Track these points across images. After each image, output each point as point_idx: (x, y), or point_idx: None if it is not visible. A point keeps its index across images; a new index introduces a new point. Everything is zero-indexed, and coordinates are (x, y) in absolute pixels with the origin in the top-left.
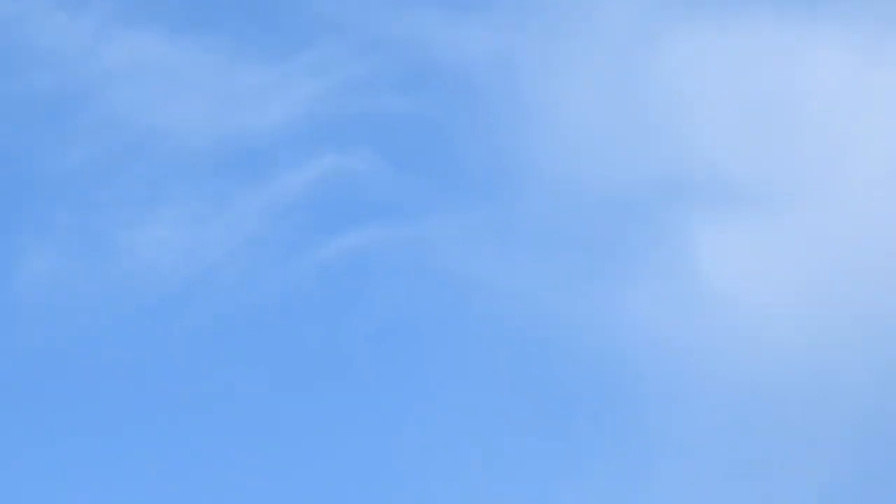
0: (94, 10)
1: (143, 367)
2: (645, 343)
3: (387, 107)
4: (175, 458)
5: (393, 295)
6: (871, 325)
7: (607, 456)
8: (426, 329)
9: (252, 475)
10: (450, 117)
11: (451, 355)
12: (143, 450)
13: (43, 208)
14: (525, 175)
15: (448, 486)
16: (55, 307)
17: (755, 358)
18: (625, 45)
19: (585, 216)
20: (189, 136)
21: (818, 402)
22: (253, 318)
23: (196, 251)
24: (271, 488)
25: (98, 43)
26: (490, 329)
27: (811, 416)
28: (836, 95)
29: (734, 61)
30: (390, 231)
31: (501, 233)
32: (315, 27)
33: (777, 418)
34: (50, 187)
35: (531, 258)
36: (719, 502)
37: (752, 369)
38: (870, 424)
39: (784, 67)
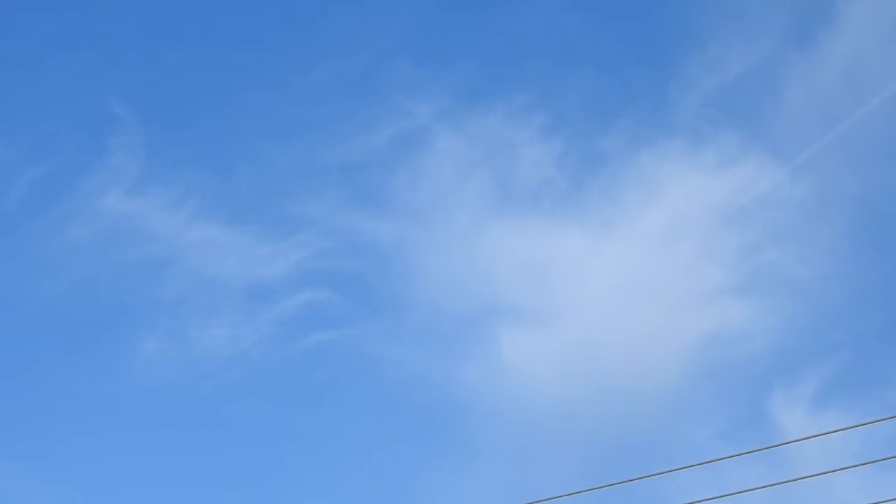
0: (182, 210)
1: (215, 398)
2: (472, 394)
3: (337, 266)
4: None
5: (339, 366)
6: (594, 382)
7: (446, 456)
8: (357, 383)
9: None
10: (370, 272)
11: (366, 393)
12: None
13: (152, 317)
14: (408, 303)
15: (358, 474)
16: (160, 369)
17: (531, 400)
18: (466, 228)
19: (441, 324)
20: (231, 279)
21: (563, 423)
22: (265, 376)
23: (234, 341)
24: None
25: (182, 229)
26: (391, 384)
27: (558, 429)
28: (579, 259)
29: (524, 239)
30: (339, 333)
31: (398, 333)
32: (298, 221)
33: (539, 430)
34: (155, 306)
35: (414, 347)
36: (511, 477)
37: (529, 407)
38: (590, 433)
39: (550, 243)
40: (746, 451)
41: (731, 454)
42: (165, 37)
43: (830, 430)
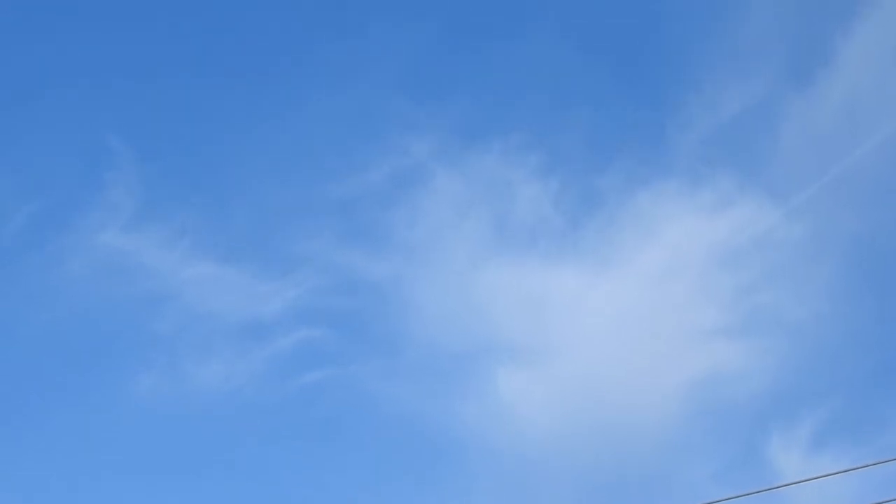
0: (177, 247)
1: (211, 434)
2: (469, 432)
3: (333, 304)
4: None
5: (336, 403)
6: (590, 419)
7: (443, 492)
8: (354, 420)
9: None
10: (366, 309)
11: (363, 431)
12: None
13: (147, 353)
14: (405, 340)
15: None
16: (155, 404)
17: (527, 437)
18: (462, 266)
19: (438, 362)
20: (227, 316)
21: (559, 460)
22: (261, 412)
23: (230, 378)
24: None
25: (178, 265)
26: (387, 421)
27: (555, 466)
28: (575, 298)
29: (521, 277)
30: (335, 370)
31: (394, 371)
32: (294, 259)
33: (536, 467)
34: (151, 342)
35: (408, 384)
36: None
37: (525, 444)
38: (586, 470)
39: (545, 283)
40: (741, 493)
41: (726, 496)
42: (163, 71)
43: (826, 473)
